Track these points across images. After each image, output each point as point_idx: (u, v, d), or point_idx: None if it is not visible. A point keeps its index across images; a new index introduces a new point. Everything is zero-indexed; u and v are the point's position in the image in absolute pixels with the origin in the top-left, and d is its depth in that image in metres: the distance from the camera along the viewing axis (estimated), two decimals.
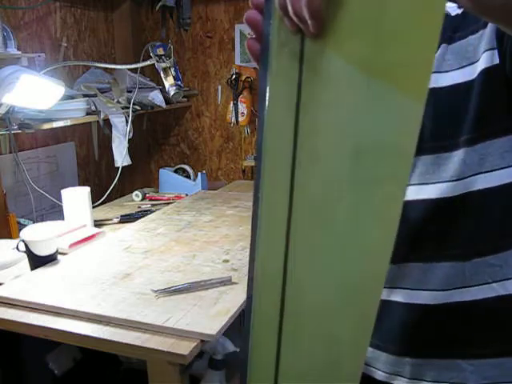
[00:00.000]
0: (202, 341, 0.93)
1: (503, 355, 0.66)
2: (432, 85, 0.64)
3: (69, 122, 1.65)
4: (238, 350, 1.32)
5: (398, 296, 0.70)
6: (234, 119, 2.24)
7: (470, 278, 0.65)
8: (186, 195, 2.00)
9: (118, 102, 1.90)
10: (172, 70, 1.70)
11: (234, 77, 2.23)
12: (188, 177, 2.18)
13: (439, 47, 0.65)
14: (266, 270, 0.48)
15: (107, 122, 1.85)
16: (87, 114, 1.76)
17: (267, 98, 0.45)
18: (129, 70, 1.93)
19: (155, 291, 1.07)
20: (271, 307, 0.49)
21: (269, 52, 0.45)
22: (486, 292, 0.65)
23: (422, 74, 0.40)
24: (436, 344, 0.69)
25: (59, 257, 1.30)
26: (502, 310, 0.66)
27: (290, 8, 0.41)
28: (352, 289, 0.46)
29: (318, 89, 0.44)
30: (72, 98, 1.73)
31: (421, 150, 0.64)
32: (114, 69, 1.91)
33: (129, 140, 1.92)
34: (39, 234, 1.26)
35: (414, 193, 0.67)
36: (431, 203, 0.66)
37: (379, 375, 0.75)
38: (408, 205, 0.66)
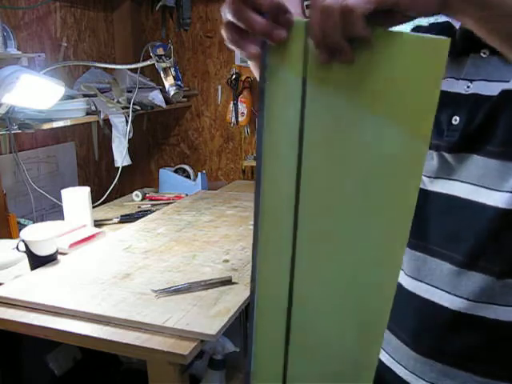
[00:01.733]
0: (202, 341, 0.93)
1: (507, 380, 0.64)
2: None
3: (69, 122, 1.65)
4: (237, 349, 1.32)
5: (424, 291, 0.68)
6: (234, 119, 2.24)
7: (499, 296, 0.62)
8: (186, 195, 2.00)
9: (118, 101, 1.90)
10: (172, 70, 1.70)
11: (234, 77, 2.23)
12: (188, 177, 2.18)
13: None
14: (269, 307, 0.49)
15: (107, 121, 1.85)
16: (87, 114, 1.76)
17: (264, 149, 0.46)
18: (129, 70, 1.93)
19: (155, 291, 1.07)
20: (276, 332, 0.49)
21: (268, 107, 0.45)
22: None
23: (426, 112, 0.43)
24: (444, 348, 0.67)
25: (59, 257, 1.30)
26: None
27: (329, 39, 0.41)
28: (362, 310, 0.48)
29: (322, 130, 0.45)
30: (72, 97, 1.73)
31: (489, 153, 0.61)
32: (114, 69, 1.91)
33: (129, 140, 1.91)
34: (39, 234, 1.26)
35: (468, 192, 0.63)
36: (484, 209, 0.62)
37: (383, 355, 0.75)
38: (460, 201, 0.63)
